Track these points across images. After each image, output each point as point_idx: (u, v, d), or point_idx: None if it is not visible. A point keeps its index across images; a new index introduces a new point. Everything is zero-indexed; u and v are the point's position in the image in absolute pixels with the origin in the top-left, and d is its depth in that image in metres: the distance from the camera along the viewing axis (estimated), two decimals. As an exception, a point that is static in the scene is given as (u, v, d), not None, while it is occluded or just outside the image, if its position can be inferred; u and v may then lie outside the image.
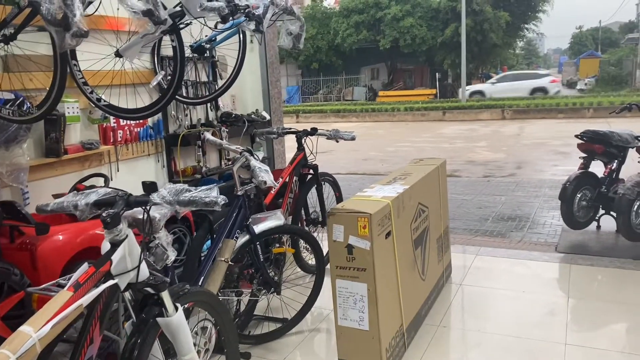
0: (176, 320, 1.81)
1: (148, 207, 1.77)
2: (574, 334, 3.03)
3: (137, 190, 3.37)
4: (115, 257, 1.65)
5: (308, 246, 3.35)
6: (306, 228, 4.24)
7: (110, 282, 1.60)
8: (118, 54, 2.96)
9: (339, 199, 4.36)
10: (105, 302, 1.62)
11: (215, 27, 2.87)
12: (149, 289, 1.76)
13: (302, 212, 4.06)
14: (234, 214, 2.69)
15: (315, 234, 4.00)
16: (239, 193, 2.72)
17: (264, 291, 2.98)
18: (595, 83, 28.52)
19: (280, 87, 5.19)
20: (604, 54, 37.95)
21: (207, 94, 4.13)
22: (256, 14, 3.10)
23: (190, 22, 2.95)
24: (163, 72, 3.28)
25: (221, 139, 4.18)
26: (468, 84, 26.79)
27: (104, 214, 1.65)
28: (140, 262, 1.73)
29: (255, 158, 2.75)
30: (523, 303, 3.50)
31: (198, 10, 2.54)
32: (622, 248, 4.48)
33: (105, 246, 1.69)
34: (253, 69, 4.86)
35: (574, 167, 4.95)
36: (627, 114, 4.94)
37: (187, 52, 3.76)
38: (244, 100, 4.80)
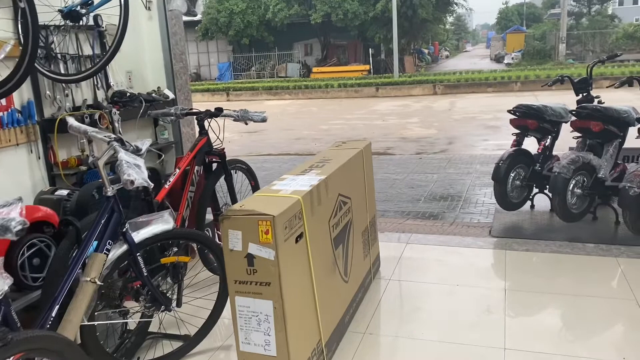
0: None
1: None
2: (513, 336, 2.70)
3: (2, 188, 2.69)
4: None
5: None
6: (217, 224, 3.73)
7: None
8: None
9: (255, 188, 3.85)
10: None
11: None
12: None
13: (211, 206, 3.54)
14: (102, 221, 2.12)
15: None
16: (109, 194, 2.15)
17: (153, 308, 2.45)
18: (522, 57, 29.21)
19: (187, 60, 4.56)
20: (528, 29, 39.01)
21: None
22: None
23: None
24: (11, 43, 2.61)
25: (112, 122, 3.56)
26: (400, 59, 26.65)
27: None
28: None
29: (129, 148, 2.18)
30: (457, 299, 3.15)
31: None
32: (558, 229, 4.24)
33: None
34: (153, 41, 4.20)
35: (504, 142, 4.68)
36: (559, 86, 4.69)
37: (58, 19, 3.11)
38: (144, 77, 4.15)
